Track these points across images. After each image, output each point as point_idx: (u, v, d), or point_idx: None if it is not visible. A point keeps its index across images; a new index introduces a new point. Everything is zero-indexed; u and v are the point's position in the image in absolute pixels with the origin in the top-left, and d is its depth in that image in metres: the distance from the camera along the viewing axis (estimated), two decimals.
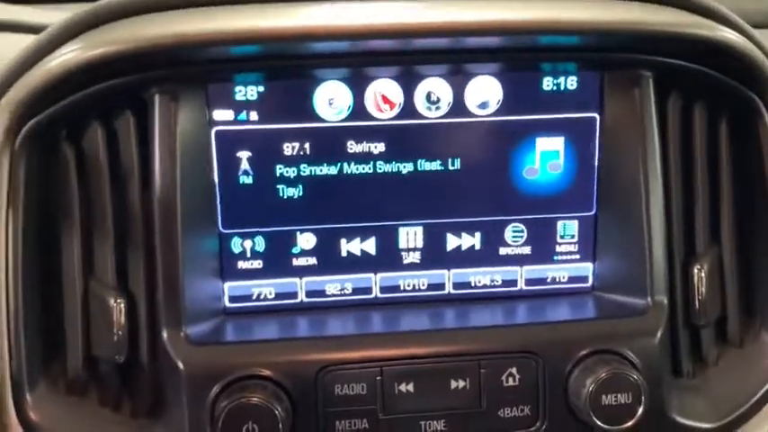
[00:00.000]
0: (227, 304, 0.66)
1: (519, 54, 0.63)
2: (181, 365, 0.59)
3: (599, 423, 0.59)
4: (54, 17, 0.60)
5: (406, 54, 0.63)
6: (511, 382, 0.61)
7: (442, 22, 0.58)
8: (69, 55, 0.56)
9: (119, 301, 0.61)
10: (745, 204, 0.67)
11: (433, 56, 0.63)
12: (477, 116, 0.65)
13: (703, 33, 0.61)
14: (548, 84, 0.65)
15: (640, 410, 0.60)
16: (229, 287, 0.66)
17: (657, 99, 0.65)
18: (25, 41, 0.59)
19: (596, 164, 0.66)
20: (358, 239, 0.66)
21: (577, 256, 0.68)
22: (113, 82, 0.59)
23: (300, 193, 0.65)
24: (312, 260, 0.66)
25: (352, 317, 0.65)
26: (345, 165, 0.64)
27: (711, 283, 0.66)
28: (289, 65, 0.62)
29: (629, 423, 0.60)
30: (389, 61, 0.63)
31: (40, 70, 0.57)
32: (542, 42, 0.63)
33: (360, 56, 0.62)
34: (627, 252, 0.65)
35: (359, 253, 0.66)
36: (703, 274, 0.66)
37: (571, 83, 0.65)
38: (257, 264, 0.66)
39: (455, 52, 0.63)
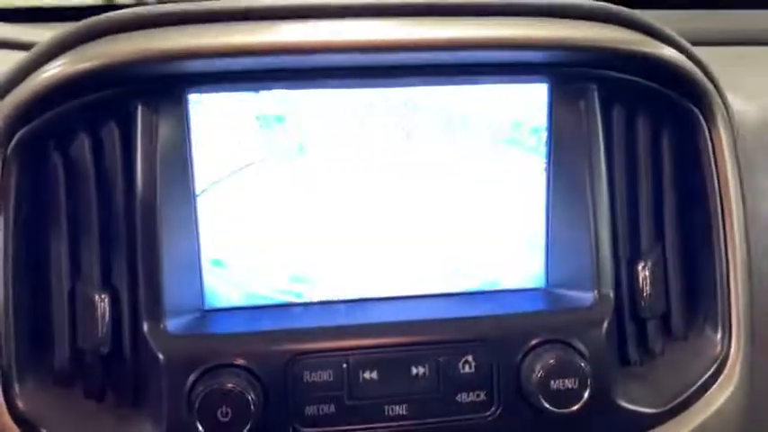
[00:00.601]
0: (207, 301, 0.69)
1: (470, 69, 0.67)
2: (160, 356, 0.62)
3: (547, 406, 0.63)
4: (45, 35, 0.65)
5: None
6: (467, 370, 0.65)
7: (395, 39, 0.62)
8: (56, 69, 0.60)
9: (103, 296, 0.64)
10: (688, 207, 0.72)
11: (382, 71, 0.67)
12: None
13: (646, 50, 0.66)
14: None
15: (586, 395, 0.64)
16: (208, 285, 0.69)
17: (602, 110, 0.69)
18: (16, 58, 0.63)
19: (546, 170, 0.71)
20: None
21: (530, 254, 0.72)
22: (98, 95, 0.63)
23: None
24: None
25: (320, 310, 0.68)
26: None
27: (655, 280, 0.71)
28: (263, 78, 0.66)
29: (576, 406, 0.64)
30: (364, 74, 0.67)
31: (30, 83, 0.61)
32: (494, 58, 0.67)
33: (334, 70, 0.66)
34: (576, 251, 0.69)
35: None
36: (647, 272, 0.70)
37: None
38: None
39: (403, 68, 0.67)
